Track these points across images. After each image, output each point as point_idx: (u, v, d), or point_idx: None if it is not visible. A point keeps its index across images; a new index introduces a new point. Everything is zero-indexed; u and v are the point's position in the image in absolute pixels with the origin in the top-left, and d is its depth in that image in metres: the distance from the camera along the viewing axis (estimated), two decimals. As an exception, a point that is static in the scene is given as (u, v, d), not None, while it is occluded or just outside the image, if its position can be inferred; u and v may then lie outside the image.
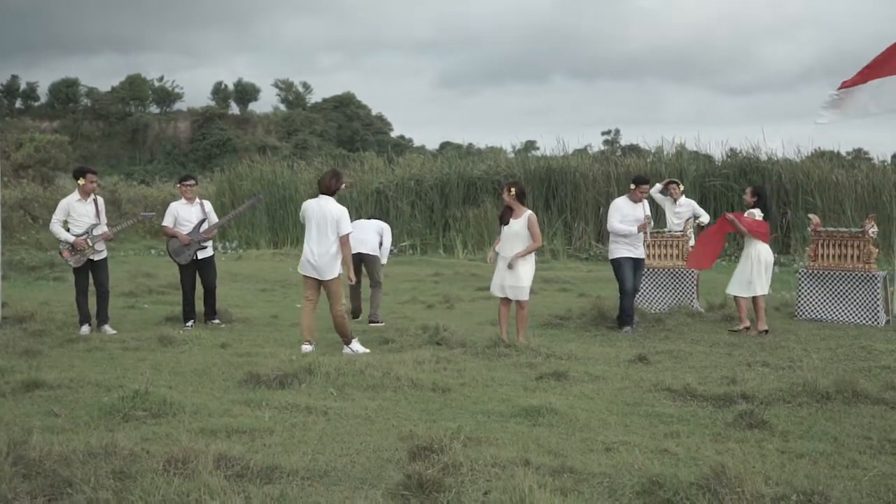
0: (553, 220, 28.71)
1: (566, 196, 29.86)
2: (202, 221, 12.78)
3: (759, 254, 12.17)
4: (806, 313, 13.09)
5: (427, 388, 8.21)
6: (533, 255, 10.92)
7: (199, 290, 12.90)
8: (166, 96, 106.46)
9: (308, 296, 10.69)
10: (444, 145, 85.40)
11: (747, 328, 12.03)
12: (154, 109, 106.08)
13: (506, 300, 11.04)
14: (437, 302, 16.20)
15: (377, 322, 13.10)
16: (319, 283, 10.57)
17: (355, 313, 13.51)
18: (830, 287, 12.88)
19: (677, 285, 14.16)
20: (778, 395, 7.82)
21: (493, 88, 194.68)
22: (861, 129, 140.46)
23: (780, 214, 24.80)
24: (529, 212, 10.96)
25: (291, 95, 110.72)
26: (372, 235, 13.54)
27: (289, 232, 30.18)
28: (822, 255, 13.05)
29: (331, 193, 10.53)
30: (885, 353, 10.25)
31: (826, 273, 12.92)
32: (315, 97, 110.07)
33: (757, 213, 12.28)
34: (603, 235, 29.63)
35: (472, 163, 33.40)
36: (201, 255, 12.75)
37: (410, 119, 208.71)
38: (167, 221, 12.74)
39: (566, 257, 27.63)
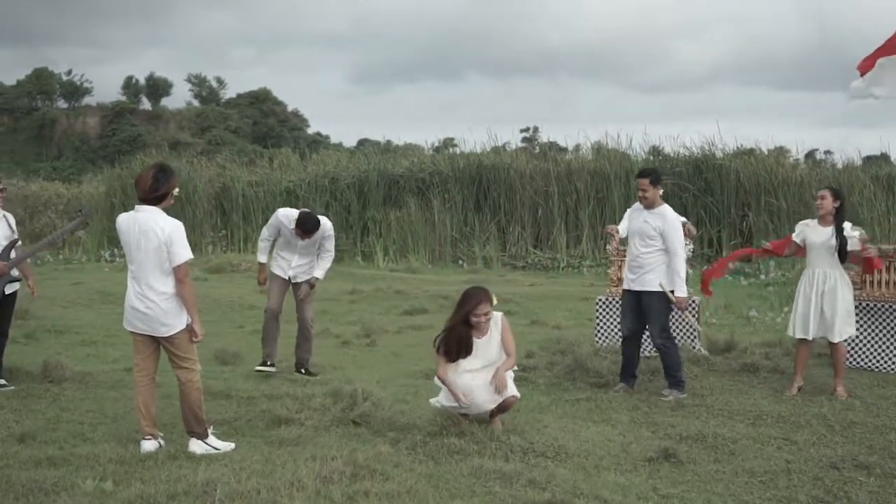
0: (485, 223, 26.09)
1: (500, 197, 26.97)
2: (14, 242, 8.93)
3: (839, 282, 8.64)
4: (856, 360, 9.68)
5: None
6: None
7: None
8: (75, 91, 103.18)
9: (140, 364, 6.71)
10: (362, 142, 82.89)
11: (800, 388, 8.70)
12: (62, 104, 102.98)
13: None
14: (355, 336, 12.64)
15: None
16: (156, 343, 6.72)
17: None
18: (888, 325, 9.53)
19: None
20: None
21: (408, 85, 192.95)
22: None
23: None
24: (499, 314, 7.44)
25: (205, 91, 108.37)
26: None
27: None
28: (874, 282, 9.65)
29: (155, 201, 6.61)
30: None
31: (881, 307, 9.55)
32: (229, 92, 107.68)
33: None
34: (541, 241, 26.66)
35: (393, 159, 30.28)
36: (9, 289, 8.91)
37: (326, 115, 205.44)
38: None
39: (500, 265, 24.89)
